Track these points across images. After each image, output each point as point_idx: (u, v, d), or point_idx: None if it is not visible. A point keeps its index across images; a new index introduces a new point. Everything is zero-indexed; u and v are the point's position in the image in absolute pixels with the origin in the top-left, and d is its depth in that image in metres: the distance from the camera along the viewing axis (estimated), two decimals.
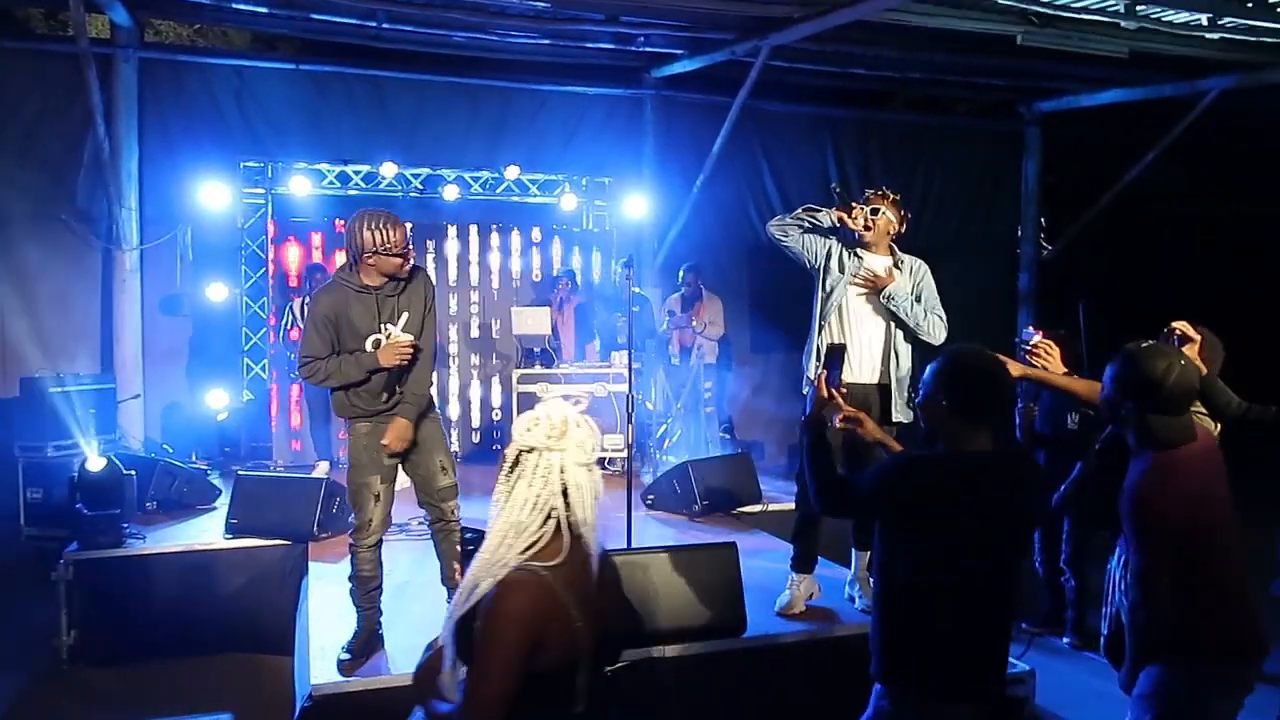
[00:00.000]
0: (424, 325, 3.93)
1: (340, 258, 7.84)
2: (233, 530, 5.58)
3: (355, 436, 3.90)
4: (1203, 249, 9.28)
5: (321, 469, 7.20)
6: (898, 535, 2.42)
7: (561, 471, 1.99)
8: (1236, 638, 2.60)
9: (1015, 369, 2.87)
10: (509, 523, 1.97)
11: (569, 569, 1.95)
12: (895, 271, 4.25)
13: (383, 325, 3.80)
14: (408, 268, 3.83)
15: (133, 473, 5.88)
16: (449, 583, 4.04)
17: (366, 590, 3.92)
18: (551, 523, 1.98)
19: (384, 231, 3.69)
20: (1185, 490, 2.57)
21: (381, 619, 3.99)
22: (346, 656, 3.79)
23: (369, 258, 3.72)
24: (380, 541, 3.96)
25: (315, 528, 5.58)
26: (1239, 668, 2.61)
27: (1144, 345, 2.66)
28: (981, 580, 2.39)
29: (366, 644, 3.86)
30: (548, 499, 1.97)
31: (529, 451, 2.00)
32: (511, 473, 2.02)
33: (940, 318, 4.27)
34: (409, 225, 3.90)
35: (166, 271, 8.10)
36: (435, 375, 4.39)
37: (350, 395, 3.85)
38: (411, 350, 3.77)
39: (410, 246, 3.83)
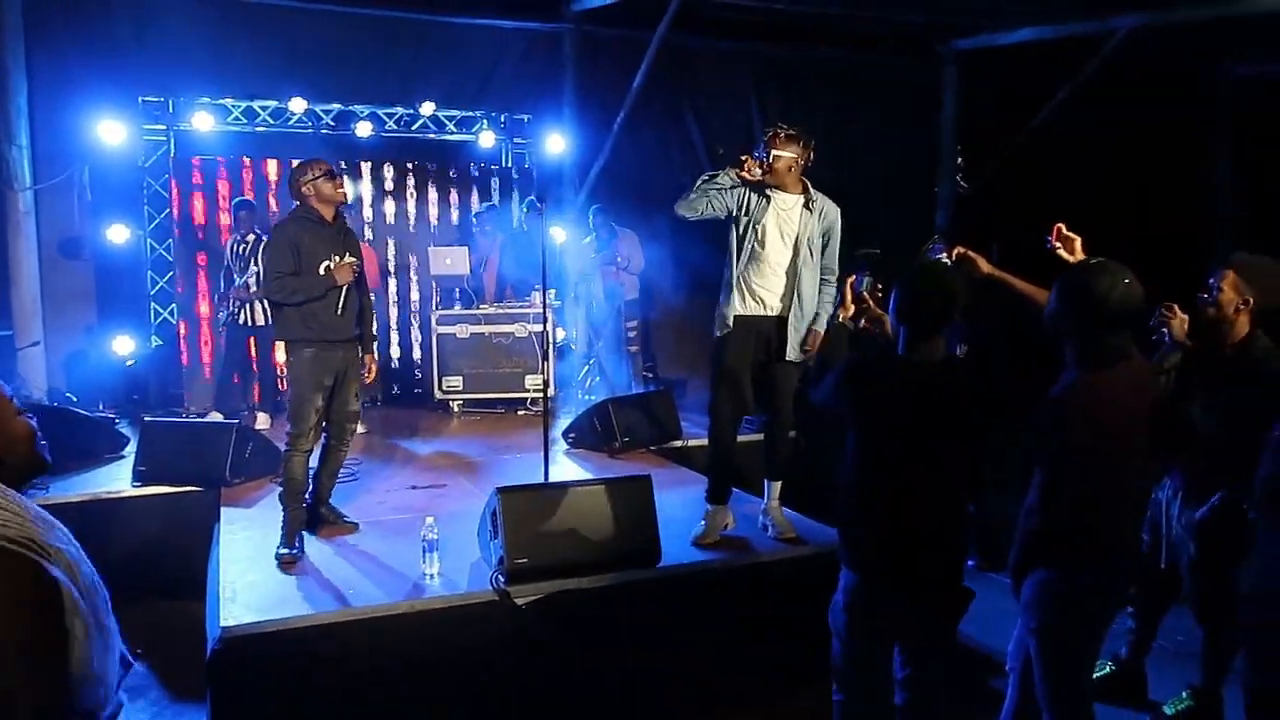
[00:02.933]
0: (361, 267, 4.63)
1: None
2: (141, 478, 5.45)
3: (300, 360, 4.43)
4: (1115, 189, 9.51)
5: (263, 419, 7.11)
6: (850, 427, 2.73)
7: None
8: (1120, 551, 2.73)
9: (984, 267, 3.13)
10: None
11: None
12: (804, 211, 4.27)
13: (332, 255, 4.47)
14: (344, 196, 4.63)
15: (33, 419, 5.65)
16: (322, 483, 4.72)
17: (297, 492, 4.44)
18: None
19: (314, 164, 4.50)
20: (1107, 409, 2.64)
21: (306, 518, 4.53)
22: (285, 551, 4.25)
23: (307, 186, 4.43)
24: (312, 450, 4.53)
25: (228, 473, 5.48)
26: (1118, 579, 2.74)
27: (1093, 262, 2.71)
28: (920, 477, 2.64)
29: (299, 539, 4.37)
30: None
31: None
32: None
33: (833, 272, 4.38)
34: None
35: (64, 213, 7.72)
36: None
37: (307, 319, 4.41)
38: (357, 272, 4.51)
39: (343, 189, 4.60)
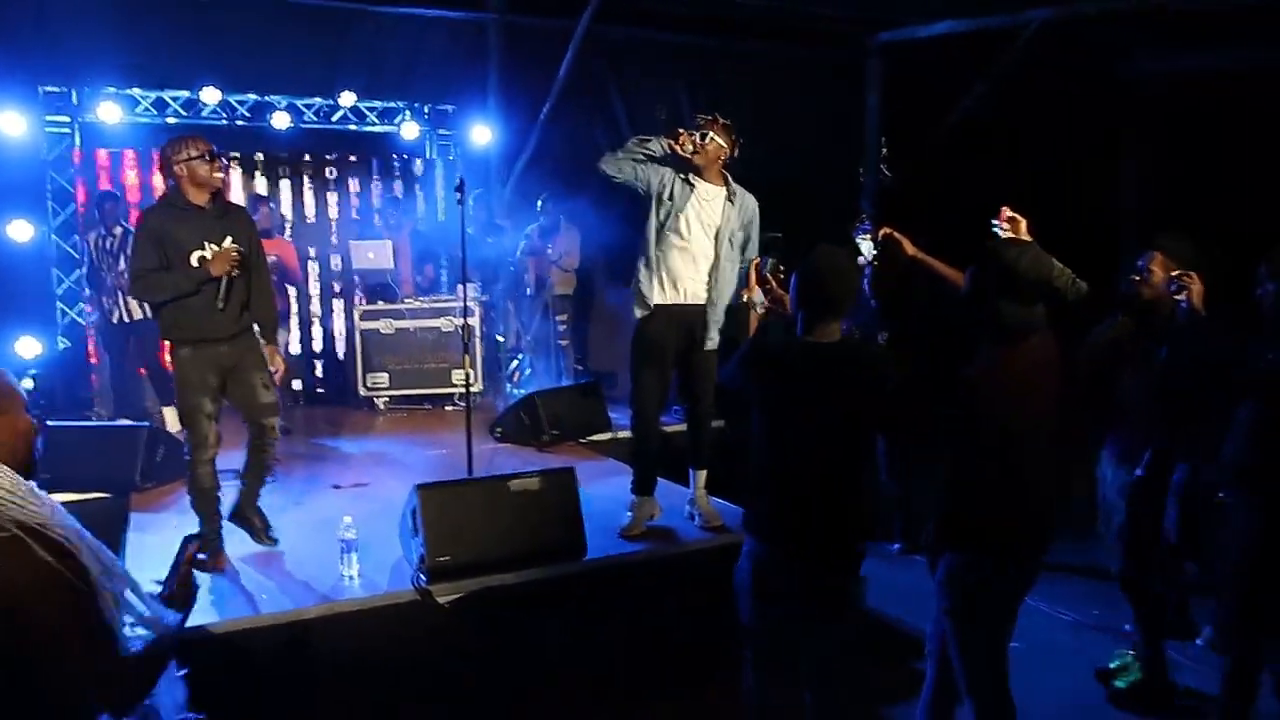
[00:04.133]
0: (251, 252, 4.13)
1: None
2: (45, 485, 5.18)
3: (180, 362, 4.03)
4: (1030, 180, 9.74)
5: (170, 416, 6.82)
6: (754, 406, 2.81)
7: None
8: (1028, 532, 2.76)
9: (909, 249, 3.27)
10: None
11: None
12: (727, 204, 4.27)
13: (206, 243, 3.97)
14: (222, 181, 4.10)
15: None
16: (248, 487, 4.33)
17: (209, 499, 4.11)
18: None
19: (191, 142, 3.95)
20: (1017, 385, 2.68)
21: (223, 524, 4.21)
22: (204, 557, 3.80)
23: (180, 166, 3.92)
24: (215, 458, 4.11)
25: (139, 477, 5.28)
26: (1025, 561, 2.78)
27: (1001, 238, 2.83)
28: (813, 452, 2.70)
29: (217, 545, 4.12)
30: None
31: None
32: None
33: (755, 254, 4.37)
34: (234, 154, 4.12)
35: None
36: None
37: (180, 316, 3.98)
38: (238, 259, 3.97)
39: (222, 173, 4.08)
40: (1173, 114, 9.94)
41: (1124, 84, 10.52)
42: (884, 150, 11.07)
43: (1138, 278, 3.68)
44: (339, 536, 4.01)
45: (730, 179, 4.34)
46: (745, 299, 3.07)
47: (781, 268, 3.10)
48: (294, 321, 8.31)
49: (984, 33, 9.14)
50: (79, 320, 7.64)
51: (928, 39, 9.80)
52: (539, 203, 8.32)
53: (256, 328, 4.24)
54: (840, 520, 2.74)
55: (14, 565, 1.65)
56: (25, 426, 1.89)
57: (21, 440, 1.87)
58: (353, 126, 8.41)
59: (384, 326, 7.69)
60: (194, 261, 3.95)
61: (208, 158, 3.94)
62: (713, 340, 4.31)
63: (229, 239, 3.99)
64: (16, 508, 1.71)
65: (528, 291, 8.34)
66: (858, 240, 3.40)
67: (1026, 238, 3.13)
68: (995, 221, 3.24)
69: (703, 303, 4.29)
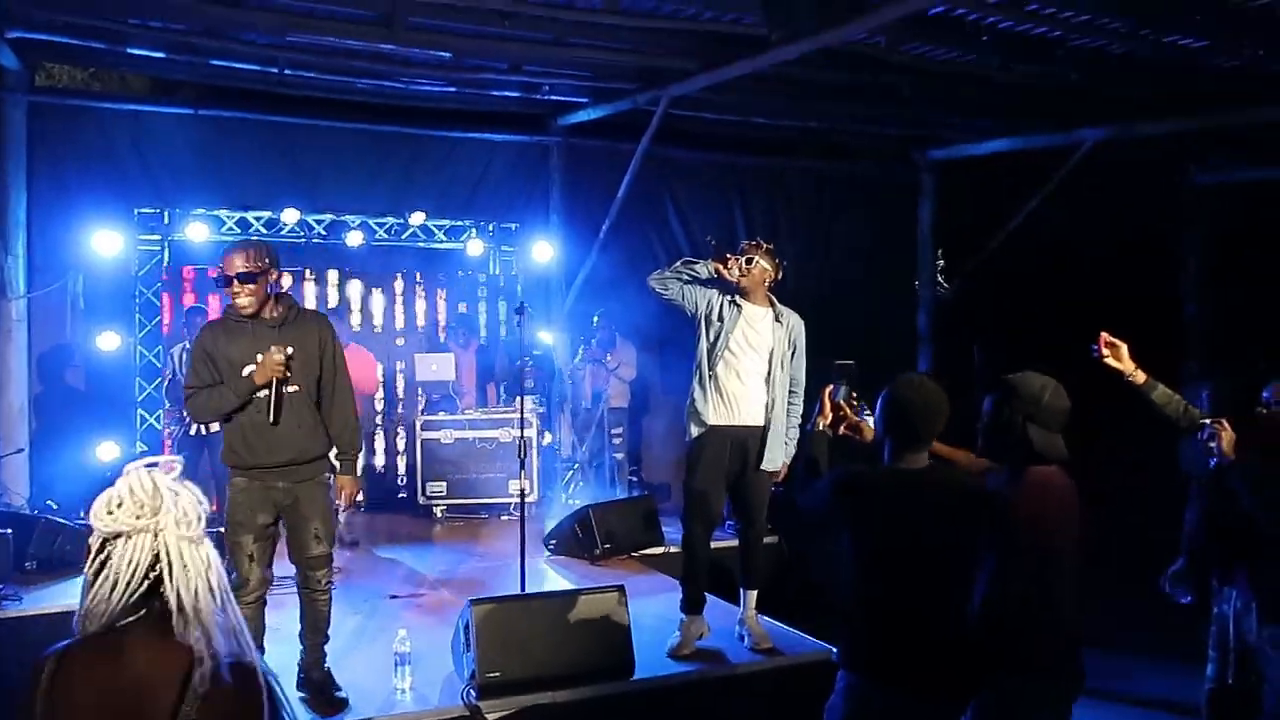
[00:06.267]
0: (323, 366, 3.89)
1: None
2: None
3: (232, 492, 3.83)
4: (1087, 289, 9.72)
5: None
6: (847, 533, 2.76)
7: (160, 554, 1.62)
8: (1062, 655, 2.76)
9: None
10: (81, 613, 1.66)
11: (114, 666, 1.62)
12: (774, 324, 4.40)
13: (259, 355, 3.70)
14: (249, 303, 3.77)
15: (9, 531, 5.64)
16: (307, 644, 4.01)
17: (253, 635, 3.85)
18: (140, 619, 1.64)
19: (227, 255, 3.75)
20: (1054, 506, 2.78)
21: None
22: None
23: (222, 284, 3.78)
24: (262, 599, 3.88)
25: None
26: (1061, 686, 2.76)
27: (1017, 374, 2.89)
28: (921, 579, 2.66)
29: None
30: (135, 588, 1.61)
31: (117, 538, 1.63)
32: (94, 565, 1.64)
33: (800, 384, 4.48)
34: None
35: (56, 320, 7.83)
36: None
37: (233, 436, 3.79)
38: (283, 365, 3.66)
39: (266, 270, 3.80)
40: (1234, 224, 9.90)
41: (1184, 194, 10.53)
42: (940, 263, 11.18)
43: (1264, 409, 3.76)
44: (394, 649, 4.08)
45: (775, 300, 4.47)
46: (820, 427, 3.10)
47: (854, 395, 3.15)
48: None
49: (1037, 149, 9.32)
50: (156, 427, 7.97)
51: (980, 156, 10.00)
52: (595, 317, 8.55)
53: (334, 454, 3.98)
54: (949, 650, 2.69)
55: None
56: None
57: None
58: (421, 244, 8.81)
59: (444, 436, 7.89)
60: (245, 374, 3.72)
61: (223, 282, 3.78)
62: (770, 462, 4.38)
63: (289, 349, 3.72)
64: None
65: (584, 404, 8.49)
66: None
67: (1129, 363, 3.30)
68: (1095, 346, 3.33)
69: (757, 424, 4.37)
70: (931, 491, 2.74)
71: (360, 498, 7.04)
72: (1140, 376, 3.36)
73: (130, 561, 1.61)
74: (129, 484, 1.67)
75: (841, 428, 3.18)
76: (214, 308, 8.00)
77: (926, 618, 2.66)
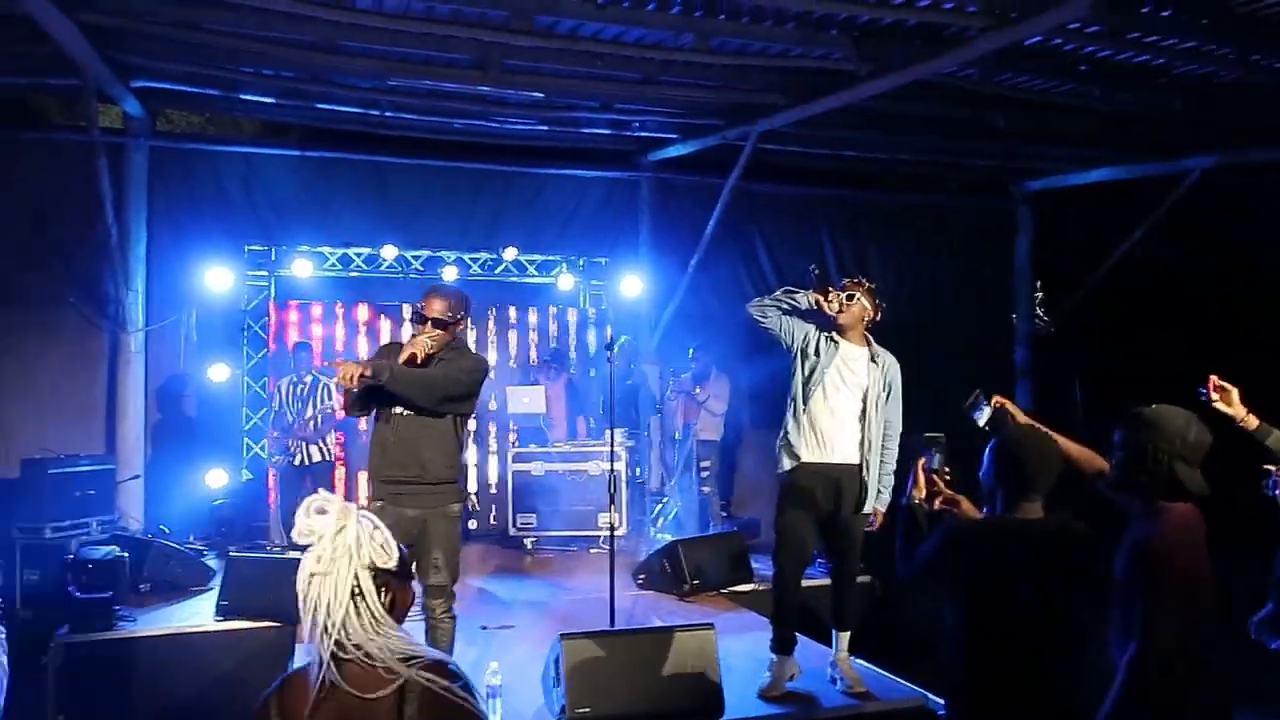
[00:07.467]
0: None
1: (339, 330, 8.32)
2: (223, 612, 5.59)
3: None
4: (1194, 322, 9.33)
5: None
6: (957, 594, 2.66)
7: (354, 587, 1.76)
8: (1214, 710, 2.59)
9: (1020, 418, 3.17)
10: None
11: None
12: (871, 365, 4.35)
13: None
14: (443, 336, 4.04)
15: (125, 554, 5.92)
16: None
17: None
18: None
19: (429, 296, 4.07)
20: (1200, 543, 2.62)
21: None
22: None
23: (415, 320, 4.07)
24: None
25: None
26: None
27: (1153, 407, 2.73)
28: (1041, 636, 2.56)
29: None
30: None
31: (318, 576, 1.76)
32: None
33: (896, 426, 4.43)
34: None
35: (170, 352, 8.25)
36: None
37: (376, 458, 4.04)
38: (361, 368, 3.77)
39: (457, 323, 4.09)
40: None
41: None
42: (1039, 295, 10.88)
43: None
44: (484, 681, 4.13)
45: (872, 340, 4.42)
46: (916, 500, 3.01)
47: (947, 468, 3.07)
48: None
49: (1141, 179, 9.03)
50: (261, 455, 8.29)
51: (1080, 186, 9.73)
52: (690, 351, 8.57)
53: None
54: (1068, 708, 2.59)
55: None
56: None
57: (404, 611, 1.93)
58: (513, 278, 8.99)
59: (535, 469, 8.00)
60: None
61: (416, 319, 4.07)
62: (867, 504, 4.31)
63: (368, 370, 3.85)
64: None
65: (675, 436, 8.50)
66: (974, 417, 3.32)
67: (1240, 408, 3.13)
68: (1203, 390, 3.18)
69: (851, 462, 4.32)
70: (1050, 544, 2.61)
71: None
72: (1253, 422, 3.17)
73: (325, 596, 1.73)
74: (314, 524, 1.78)
75: (938, 502, 3.06)
76: (317, 341, 8.33)
77: (1042, 674, 2.54)
